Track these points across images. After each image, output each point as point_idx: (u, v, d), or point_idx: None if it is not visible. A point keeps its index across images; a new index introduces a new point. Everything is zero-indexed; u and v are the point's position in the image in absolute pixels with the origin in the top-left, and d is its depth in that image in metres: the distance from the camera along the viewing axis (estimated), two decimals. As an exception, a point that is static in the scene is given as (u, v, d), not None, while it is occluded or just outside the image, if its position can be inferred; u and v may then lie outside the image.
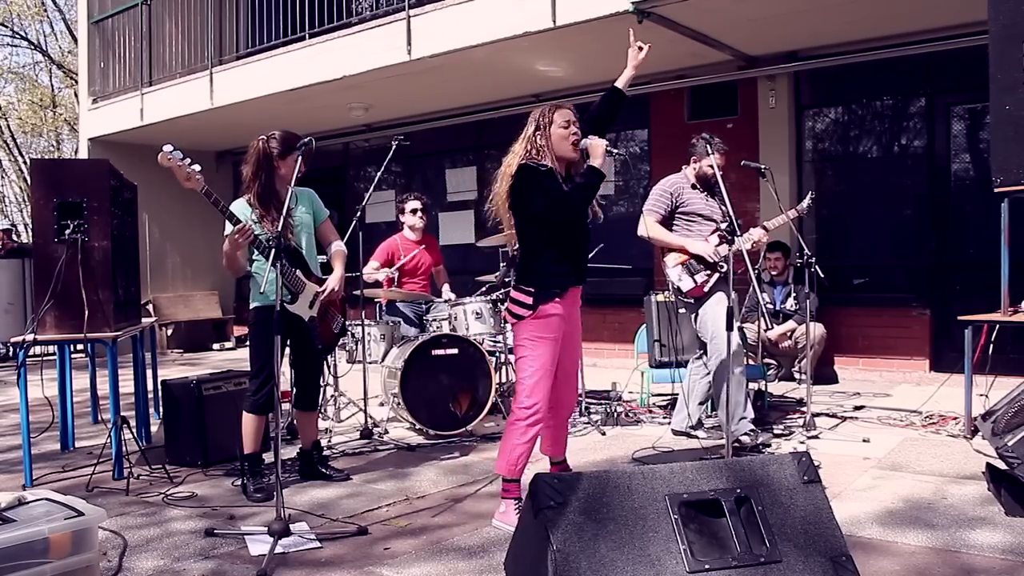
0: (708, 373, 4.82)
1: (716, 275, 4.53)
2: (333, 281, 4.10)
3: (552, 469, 3.74)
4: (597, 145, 3.38)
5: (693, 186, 4.70)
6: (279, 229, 3.40)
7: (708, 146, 4.43)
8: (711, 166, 4.52)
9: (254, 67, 9.00)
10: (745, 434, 4.43)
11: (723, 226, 4.51)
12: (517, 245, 3.61)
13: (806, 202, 4.98)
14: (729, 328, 3.82)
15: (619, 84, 3.67)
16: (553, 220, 3.34)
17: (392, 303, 6.02)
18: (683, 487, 2.45)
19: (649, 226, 4.62)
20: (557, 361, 3.42)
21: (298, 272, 3.96)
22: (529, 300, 3.35)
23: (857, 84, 7.38)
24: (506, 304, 3.53)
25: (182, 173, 3.54)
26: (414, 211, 5.97)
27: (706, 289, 4.55)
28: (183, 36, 10.41)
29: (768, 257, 6.81)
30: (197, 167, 3.60)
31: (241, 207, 3.94)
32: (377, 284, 5.84)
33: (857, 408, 5.73)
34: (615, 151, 3.40)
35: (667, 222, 4.68)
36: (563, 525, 2.30)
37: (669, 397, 5.87)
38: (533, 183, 3.35)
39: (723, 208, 4.55)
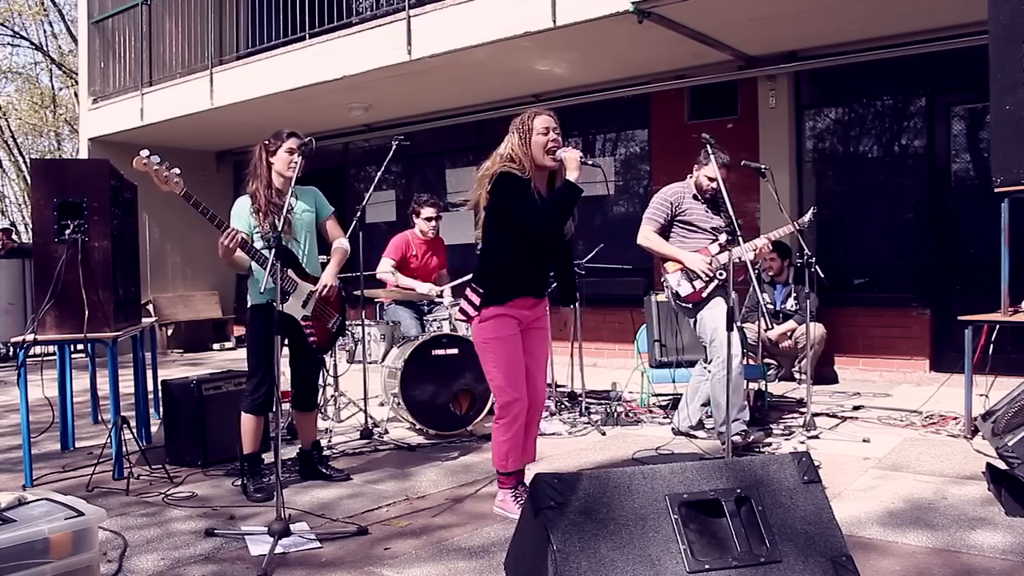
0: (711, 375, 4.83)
1: (714, 282, 4.54)
2: (326, 278, 4.03)
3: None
4: (571, 157, 3.33)
5: (695, 196, 4.70)
6: (278, 229, 3.38)
7: (710, 156, 4.35)
8: (710, 178, 4.52)
9: (254, 67, 8.99)
10: (737, 434, 4.44)
11: (722, 238, 4.53)
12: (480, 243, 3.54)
13: (807, 217, 4.91)
14: (729, 329, 3.81)
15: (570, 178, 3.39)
16: (533, 236, 3.32)
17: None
18: (683, 487, 2.45)
19: (647, 236, 4.70)
20: (521, 356, 3.41)
21: (289, 271, 3.91)
22: (477, 301, 3.37)
23: (857, 84, 7.38)
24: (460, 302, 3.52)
25: (159, 177, 3.50)
26: (428, 219, 5.96)
27: (704, 295, 4.55)
28: (183, 36, 10.41)
29: (764, 257, 6.80)
30: (176, 170, 3.55)
31: (243, 204, 3.95)
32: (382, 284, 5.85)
33: (857, 408, 5.73)
34: (590, 162, 3.37)
35: (666, 230, 4.71)
36: (563, 525, 2.30)
37: (669, 397, 5.87)
38: (516, 193, 3.31)
39: (728, 216, 4.51)
